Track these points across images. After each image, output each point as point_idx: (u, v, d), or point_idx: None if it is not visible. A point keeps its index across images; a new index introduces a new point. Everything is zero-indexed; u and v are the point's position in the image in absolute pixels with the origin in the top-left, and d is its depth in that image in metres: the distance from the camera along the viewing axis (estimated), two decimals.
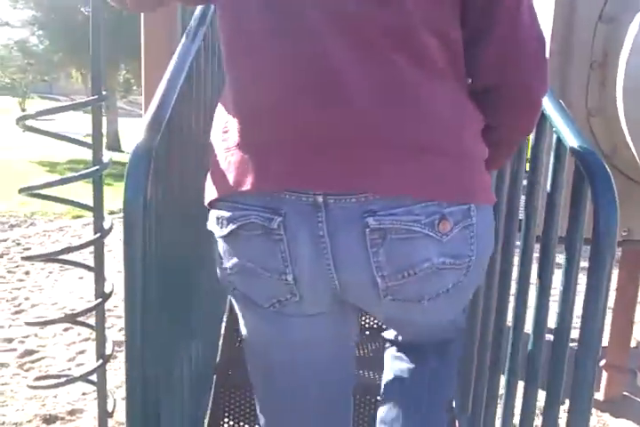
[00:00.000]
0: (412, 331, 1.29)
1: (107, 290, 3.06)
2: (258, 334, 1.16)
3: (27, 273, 5.34)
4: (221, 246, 1.08)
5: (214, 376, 1.77)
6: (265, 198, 1.01)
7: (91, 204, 3.21)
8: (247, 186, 1.01)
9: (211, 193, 1.08)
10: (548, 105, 1.26)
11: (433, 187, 1.00)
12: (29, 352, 3.87)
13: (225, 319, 1.99)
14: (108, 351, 3.10)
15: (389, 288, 1.04)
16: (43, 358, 3.82)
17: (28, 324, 3.49)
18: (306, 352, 1.15)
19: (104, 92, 2.94)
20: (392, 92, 0.98)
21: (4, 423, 3.09)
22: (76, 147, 2.80)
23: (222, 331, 1.94)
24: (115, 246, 6.08)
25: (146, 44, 2.08)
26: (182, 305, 1.32)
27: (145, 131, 1.03)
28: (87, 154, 1.99)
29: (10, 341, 4.03)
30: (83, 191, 3.31)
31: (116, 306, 4.53)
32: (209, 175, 1.10)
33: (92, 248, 2.77)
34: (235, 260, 1.06)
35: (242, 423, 1.79)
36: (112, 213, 5.67)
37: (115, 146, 15.07)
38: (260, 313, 1.11)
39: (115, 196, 3.21)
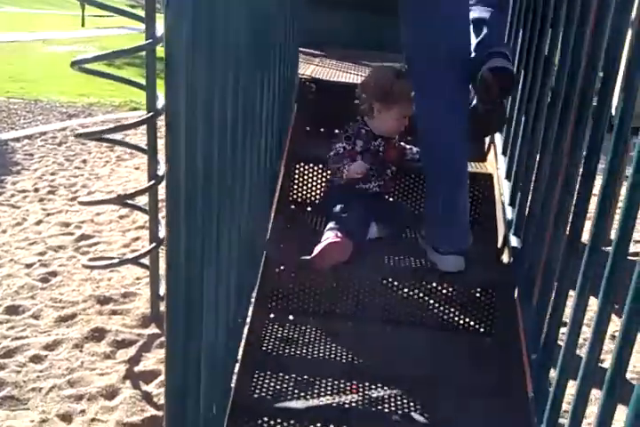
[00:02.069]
0: None
1: (160, 173, 3.00)
2: None
3: (84, 162, 5.35)
4: None
5: (264, 253, 1.67)
6: None
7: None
8: None
9: None
10: None
11: None
12: (86, 237, 3.91)
13: (276, 197, 1.88)
14: (161, 235, 3.09)
15: None
16: (98, 243, 3.86)
17: (81, 203, 3.51)
18: None
19: None
20: None
21: (60, 301, 3.15)
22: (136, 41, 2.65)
23: (274, 206, 1.83)
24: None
25: None
26: (226, 169, 1.18)
27: None
28: None
29: (67, 225, 4.07)
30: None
31: None
32: None
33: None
34: None
35: (291, 302, 1.72)
36: None
37: None
38: None
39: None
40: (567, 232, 1.39)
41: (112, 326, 2.94)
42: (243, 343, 1.45)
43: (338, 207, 1.80)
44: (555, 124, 1.53)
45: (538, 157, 1.67)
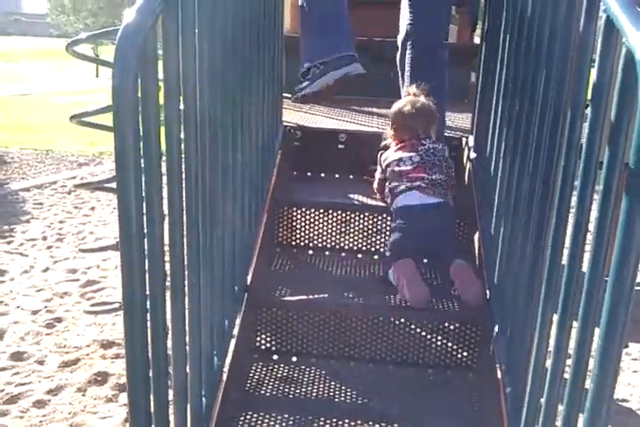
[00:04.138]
0: None
1: None
2: None
3: (92, 209, 5.49)
4: None
5: (245, 295, 1.73)
6: None
7: None
8: None
9: None
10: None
11: None
12: (91, 282, 4.00)
13: (260, 234, 1.95)
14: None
15: None
16: (104, 288, 3.94)
17: (82, 251, 3.61)
18: None
19: None
20: None
21: (65, 346, 3.22)
22: None
23: (257, 249, 1.89)
24: None
25: None
26: (205, 215, 1.26)
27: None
28: None
29: (74, 272, 4.17)
30: None
31: None
32: None
33: None
34: None
35: (274, 343, 1.77)
36: None
37: None
38: None
39: None
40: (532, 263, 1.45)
41: (115, 369, 2.99)
42: (223, 383, 1.50)
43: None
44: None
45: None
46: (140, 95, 0.98)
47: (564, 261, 1.24)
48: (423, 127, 2.18)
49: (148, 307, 1.02)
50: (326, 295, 1.86)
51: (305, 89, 2.60)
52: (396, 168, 2.09)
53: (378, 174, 2.22)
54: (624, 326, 1.00)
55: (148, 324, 1.03)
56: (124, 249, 0.95)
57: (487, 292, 1.87)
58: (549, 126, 1.41)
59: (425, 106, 2.21)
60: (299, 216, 2.22)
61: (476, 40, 4.32)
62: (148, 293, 1.00)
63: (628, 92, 1.02)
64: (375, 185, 2.25)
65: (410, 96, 2.24)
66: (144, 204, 0.98)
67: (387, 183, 2.15)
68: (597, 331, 1.08)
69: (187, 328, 1.20)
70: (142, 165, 0.99)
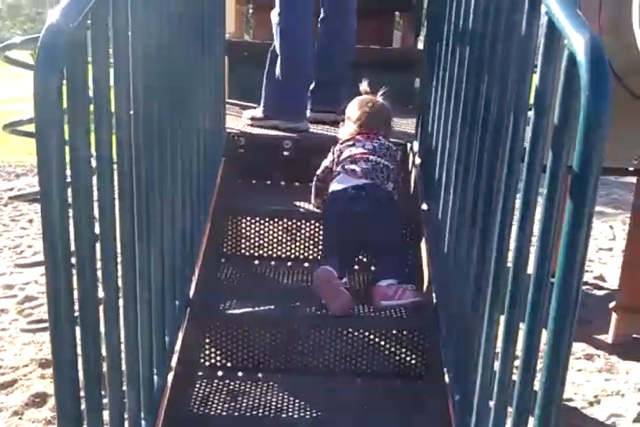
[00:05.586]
0: None
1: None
2: None
3: (30, 221, 5.28)
4: None
5: (187, 309, 1.67)
6: None
7: None
8: None
9: None
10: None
11: None
12: (29, 298, 3.83)
13: (204, 244, 1.89)
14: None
15: None
16: (42, 304, 3.77)
17: (18, 265, 3.45)
18: None
19: None
20: None
21: (1, 367, 3.06)
22: None
23: (200, 260, 1.83)
24: None
25: None
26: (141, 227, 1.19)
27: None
28: None
29: (11, 287, 3.99)
30: None
31: None
32: None
33: None
34: None
35: (219, 358, 1.71)
36: None
37: None
38: None
39: None
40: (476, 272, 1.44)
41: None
42: (165, 404, 1.43)
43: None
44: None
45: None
46: (66, 99, 0.91)
47: (510, 263, 1.22)
48: (384, 128, 2.23)
49: (79, 324, 0.95)
50: (272, 307, 1.81)
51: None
52: (347, 152, 2.11)
53: (326, 162, 2.20)
54: (572, 325, 0.98)
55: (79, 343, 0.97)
56: (50, 263, 0.88)
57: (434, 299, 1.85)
58: (493, 130, 1.40)
59: (386, 107, 2.28)
60: (244, 225, 2.17)
61: (420, 46, 4.35)
62: (77, 310, 0.93)
63: (571, 94, 1.01)
64: (318, 171, 2.24)
65: (368, 95, 2.26)
66: (70, 216, 0.92)
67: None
68: (544, 332, 1.07)
69: (122, 346, 1.13)
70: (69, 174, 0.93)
